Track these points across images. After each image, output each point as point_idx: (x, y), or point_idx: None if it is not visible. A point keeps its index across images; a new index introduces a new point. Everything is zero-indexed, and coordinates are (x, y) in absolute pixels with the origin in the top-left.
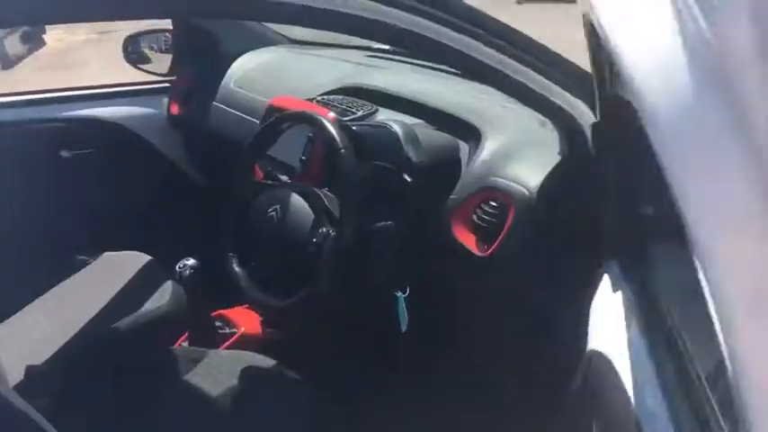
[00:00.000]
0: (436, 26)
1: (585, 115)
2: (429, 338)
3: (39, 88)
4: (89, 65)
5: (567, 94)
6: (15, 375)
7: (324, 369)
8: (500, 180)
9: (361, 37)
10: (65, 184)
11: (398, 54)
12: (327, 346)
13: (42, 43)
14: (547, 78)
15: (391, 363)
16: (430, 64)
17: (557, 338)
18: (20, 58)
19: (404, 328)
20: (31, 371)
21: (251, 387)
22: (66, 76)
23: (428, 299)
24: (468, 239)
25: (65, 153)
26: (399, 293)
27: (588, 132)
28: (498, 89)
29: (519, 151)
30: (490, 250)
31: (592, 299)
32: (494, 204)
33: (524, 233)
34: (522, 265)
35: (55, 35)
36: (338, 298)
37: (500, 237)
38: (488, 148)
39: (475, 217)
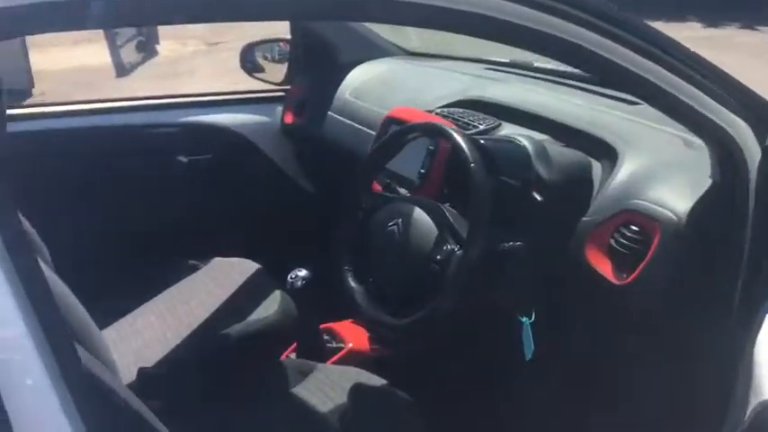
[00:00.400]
0: (568, 25)
1: (747, 137)
2: (556, 370)
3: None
4: (196, 74)
5: (726, 111)
6: (127, 376)
7: (435, 393)
8: (643, 203)
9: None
10: (180, 189)
11: (520, 67)
12: (440, 369)
13: (155, 53)
14: (702, 91)
15: (511, 393)
16: (554, 77)
17: (702, 379)
18: (134, 67)
19: (528, 357)
20: (142, 373)
21: (360, 406)
22: (176, 84)
23: (556, 326)
24: (603, 265)
25: (182, 158)
26: (525, 319)
27: (752, 155)
28: (641, 99)
29: (662, 173)
30: (629, 278)
31: (752, 340)
32: (635, 229)
33: (670, 262)
34: (666, 297)
35: (167, 45)
36: (458, 320)
37: (641, 264)
38: (627, 169)
39: (612, 241)
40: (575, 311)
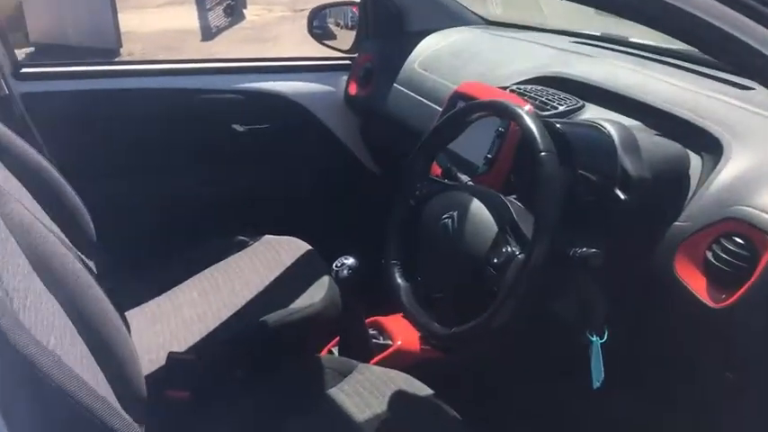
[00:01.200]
0: None
1: None
2: (628, 401)
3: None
4: (281, 40)
5: None
6: (162, 356)
7: (486, 412)
8: (750, 210)
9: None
10: (234, 159)
11: (612, 41)
12: (493, 386)
13: (242, 18)
14: None
15: (572, 424)
16: (652, 55)
17: None
18: (220, 31)
19: (596, 384)
20: (172, 358)
21: (399, 417)
22: (261, 50)
23: (632, 351)
24: (696, 283)
25: (238, 127)
26: (595, 338)
27: None
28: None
29: None
30: (728, 301)
31: None
32: (739, 241)
33: None
34: None
35: (253, 9)
36: (516, 334)
37: (745, 286)
38: (734, 167)
39: (710, 254)
40: (657, 335)
